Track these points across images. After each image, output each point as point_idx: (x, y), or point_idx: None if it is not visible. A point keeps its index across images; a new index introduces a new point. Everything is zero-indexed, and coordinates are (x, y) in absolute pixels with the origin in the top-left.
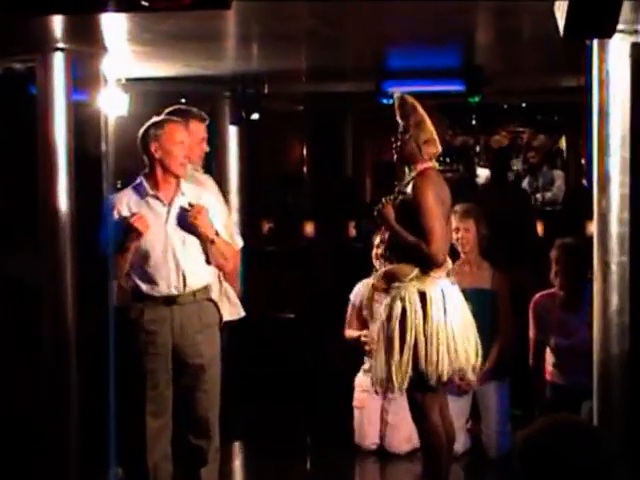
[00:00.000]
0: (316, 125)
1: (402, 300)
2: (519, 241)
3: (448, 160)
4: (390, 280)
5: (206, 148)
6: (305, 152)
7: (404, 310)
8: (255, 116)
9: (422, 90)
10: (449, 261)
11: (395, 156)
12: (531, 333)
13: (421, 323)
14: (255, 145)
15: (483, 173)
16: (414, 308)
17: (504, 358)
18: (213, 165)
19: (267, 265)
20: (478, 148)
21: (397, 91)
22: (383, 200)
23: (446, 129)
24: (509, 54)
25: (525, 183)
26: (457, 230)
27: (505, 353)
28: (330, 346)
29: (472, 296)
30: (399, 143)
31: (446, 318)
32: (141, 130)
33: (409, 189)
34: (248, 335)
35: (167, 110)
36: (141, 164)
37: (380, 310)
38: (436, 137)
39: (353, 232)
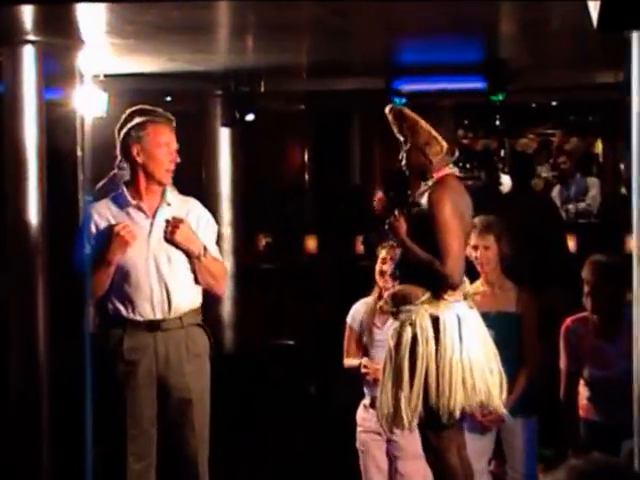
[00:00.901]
0: (319, 127)
1: (412, 325)
2: (547, 258)
3: (468, 166)
4: (399, 302)
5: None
6: (306, 158)
7: (414, 337)
8: (250, 117)
9: (438, 88)
10: (467, 282)
11: (407, 172)
12: (562, 363)
13: (433, 352)
14: (250, 150)
15: (508, 181)
16: (426, 334)
17: (531, 391)
18: (203, 172)
19: (264, 285)
20: (503, 153)
21: (406, 89)
22: (396, 212)
23: (452, 125)
24: (537, 46)
25: (555, 192)
26: (476, 247)
27: (532, 385)
28: (334, 377)
29: (494, 321)
30: (404, 156)
31: (462, 347)
32: (122, 132)
33: (424, 199)
34: (242, 364)
35: (129, 110)
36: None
37: (387, 336)
38: (436, 134)
39: (361, 248)
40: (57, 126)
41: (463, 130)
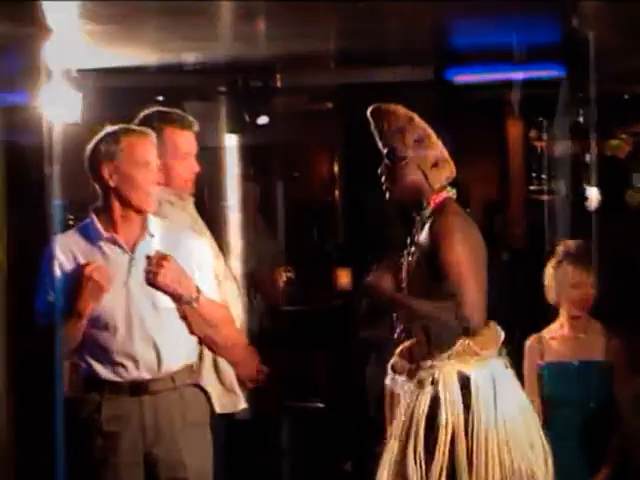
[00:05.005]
0: (351, 130)
1: (434, 384)
2: None
3: (544, 177)
4: (417, 357)
5: (196, 167)
6: (336, 168)
7: (436, 399)
8: (264, 119)
9: (502, 78)
10: (501, 334)
11: (388, 196)
12: None
13: (461, 420)
14: (264, 160)
15: (595, 195)
16: (451, 398)
17: (629, 459)
18: (204, 191)
19: (285, 333)
20: (588, 158)
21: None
22: (374, 267)
23: (521, 125)
24: (632, 19)
25: None
26: (562, 284)
27: (629, 451)
28: (374, 448)
29: (578, 372)
30: (392, 175)
31: (497, 415)
32: (88, 146)
33: (424, 237)
34: (256, 433)
35: (141, 114)
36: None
37: (401, 402)
38: (447, 156)
39: None
40: (19, 136)
41: (536, 130)
